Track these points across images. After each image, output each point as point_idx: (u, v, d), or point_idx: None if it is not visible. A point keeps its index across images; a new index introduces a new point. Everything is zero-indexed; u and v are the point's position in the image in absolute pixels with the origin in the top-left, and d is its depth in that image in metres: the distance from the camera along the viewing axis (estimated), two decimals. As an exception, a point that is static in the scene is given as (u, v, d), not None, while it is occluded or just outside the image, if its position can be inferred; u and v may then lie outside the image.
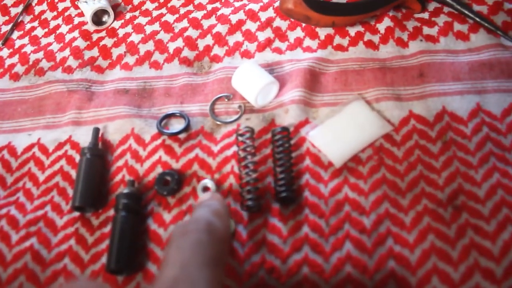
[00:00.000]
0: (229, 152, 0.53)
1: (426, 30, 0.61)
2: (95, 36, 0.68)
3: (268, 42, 0.62)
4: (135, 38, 0.66)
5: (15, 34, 0.72)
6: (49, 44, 0.69)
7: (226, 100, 0.58)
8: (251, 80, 0.54)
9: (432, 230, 0.46)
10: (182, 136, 0.55)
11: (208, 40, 0.64)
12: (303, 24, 0.63)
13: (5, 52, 0.69)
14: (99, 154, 0.54)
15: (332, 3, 0.60)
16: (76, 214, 0.52)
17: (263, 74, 0.55)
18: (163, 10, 0.69)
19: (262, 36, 0.63)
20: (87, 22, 0.69)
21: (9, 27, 0.72)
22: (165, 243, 0.49)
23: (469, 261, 0.44)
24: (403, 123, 0.53)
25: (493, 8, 0.61)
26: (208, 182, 0.51)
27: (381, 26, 0.61)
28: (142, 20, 0.69)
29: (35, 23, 0.72)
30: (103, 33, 0.68)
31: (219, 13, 0.67)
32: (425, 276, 0.44)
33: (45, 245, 0.50)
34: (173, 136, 0.55)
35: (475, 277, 0.43)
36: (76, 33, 0.69)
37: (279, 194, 0.49)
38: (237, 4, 0.68)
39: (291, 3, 0.58)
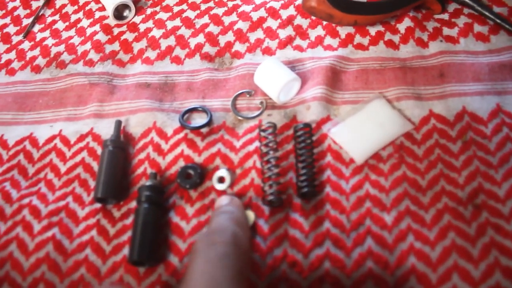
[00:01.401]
0: (251, 147, 0.54)
1: (446, 31, 0.61)
2: (116, 31, 0.69)
3: (289, 40, 0.63)
4: (156, 33, 0.67)
5: (36, 27, 0.72)
6: (70, 37, 0.69)
7: (248, 96, 0.58)
8: (273, 77, 0.55)
9: (452, 228, 0.46)
10: (204, 130, 0.56)
11: (229, 36, 0.65)
12: (324, 23, 0.63)
13: (27, 44, 0.70)
14: (121, 147, 0.55)
15: (355, 2, 0.60)
16: (98, 205, 0.53)
17: (286, 71, 0.55)
18: (184, 6, 0.70)
19: (283, 33, 0.63)
20: (108, 16, 0.69)
21: (30, 20, 0.73)
22: (187, 235, 0.49)
23: (490, 260, 0.44)
24: (423, 122, 0.53)
25: (513, 10, 0.61)
26: (223, 172, 0.52)
27: (401, 26, 0.62)
28: (163, 15, 0.69)
29: (56, 17, 0.73)
30: (124, 28, 0.69)
31: (240, 10, 0.67)
32: (446, 273, 0.44)
33: (67, 235, 0.51)
34: (196, 130, 0.56)
35: (496, 275, 0.43)
36: (97, 27, 0.69)
37: (300, 190, 0.49)
38: (258, 1, 0.68)
39: (314, 1, 0.58)
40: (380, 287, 0.44)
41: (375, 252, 0.46)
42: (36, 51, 0.68)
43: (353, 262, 0.46)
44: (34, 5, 0.76)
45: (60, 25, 0.72)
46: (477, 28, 0.60)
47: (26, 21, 0.73)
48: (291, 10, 0.65)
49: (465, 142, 0.51)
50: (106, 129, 0.58)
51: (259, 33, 0.64)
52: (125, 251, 0.49)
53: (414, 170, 0.50)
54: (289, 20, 0.64)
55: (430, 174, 0.50)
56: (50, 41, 0.69)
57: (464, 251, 0.45)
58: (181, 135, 0.56)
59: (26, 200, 0.54)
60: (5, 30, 0.73)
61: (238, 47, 0.63)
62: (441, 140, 0.52)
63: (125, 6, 0.69)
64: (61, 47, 0.68)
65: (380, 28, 0.62)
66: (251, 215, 0.49)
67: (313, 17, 0.64)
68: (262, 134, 0.52)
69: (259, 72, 0.56)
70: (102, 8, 0.72)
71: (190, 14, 0.68)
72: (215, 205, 0.49)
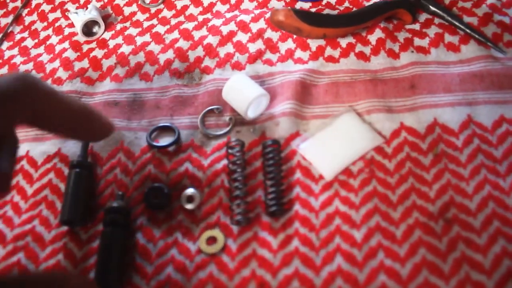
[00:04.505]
0: (219, 166, 0.53)
1: (417, 41, 0.60)
2: (85, 47, 0.68)
3: (259, 54, 0.62)
4: (126, 49, 0.66)
5: (5, 44, 0.71)
6: (39, 55, 0.68)
7: (217, 112, 0.57)
8: (241, 93, 0.54)
9: (423, 244, 0.45)
10: (171, 149, 0.55)
11: (199, 51, 0.64)
12: (294, 36, 0.62)
13: (-5, 63, 0.69)
14: (88, 167, 0.54)
15: (323, 15, 0.60)
16: (65, 228, 0.51)
17: (254, 86, 0.55)
18: (154, 21, 0.69)
19: (253, 47, 0.63)
20: (78, 33, 0.68)
21: (-1, 37, 0.72)
22: (155, 257, 0.48)
23: (460, 275, 0.44)
24: (394, 135, 0.53)
25: (483, 20, 0.61)
26: (191, 191, 0.51)
27: (372, 38, 0.61)
28: (133, 31, 0.68)
29: (25, 34, 0.72)
30: (93, 44, 0.68)
31: (210, 24, 0.66)
32: (417, 290, 0.43)
33: (32, 260, 0.50)
34: (163, 149, 0.55)
35: (467, 291, 0.43)
36: (66, 44, 0.68)
37: (269, 208, 0.48)
38: (228, 15, 0.67)
39: (282, 15, 0.57)
40: (350, 307, 0.43)
41: (344, 271, 0.45)
42: (4, 70, 0.67)
43: (322, 281, 0.45)
44: (3, 21, 0.74)
45: (29, 43, 0.70)
46: (448, 38, 0.60)
47: (-6, 39, 0.72)
48: (261, 24, 0.65)
49: (436, 154, 0.51)
50: (73, 149, 0.57)
51: (229, 48, 0.63)
52: (93, 274, 0.48)
53: (384, 185, 0.50)
54: (259, 34, 0.64)
55: (401, 188, 0.49)
56: (18, 59, 0.68)
57: (434, 267, 0.44)
58: (148, 154, 0.55)
59: (-9, 225, 0.53)
60: (-27, 48, 0.72)
61: (208, 62, 0.62)
62: (412, 153, 0.51)
63: (94, 22, 0.68)
64: (30, 65, 0.67)
65: (351, 39, 0.61)
66: (220, 236, 0.48)
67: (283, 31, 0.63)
68: (230, 151, 0.51)
69: (227, 89, 0.55)
70: (72, 25, 0.70)
71: (160, 29, 0.68)
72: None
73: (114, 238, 0.48)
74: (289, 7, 0.59)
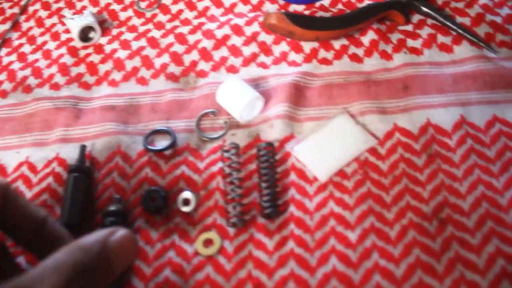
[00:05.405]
0: (214, 168, 0.54)
1: (410, 42, 0.61)
2: (82, 53, 0.68)
3: (253, 57, 0.63)
4: (122, 54, 0.67)
5: (3, 51, 0.72)
6: (36, 60, 0.68)
7: (212, 115, 0.58)
8: (235, 96, 0.55)
9: (417, 244, 0.46)
10: (168, 152, 0.56)
11: (194, 55, 0.64)
12: (288, 39, 0.63)
13: (-7, 69, 0.69)
14: (86, 172, 0.54)
15: (315, 18, 0.60)
16: (64, 232, 0.52)
17: (248, 89, 0.55)
18: (150, 26, 0.70)
19: (247, 50, 0.63)
20: (74, 39, 0.69)
21: (-4, 44, 0.72)
22: (152, 260, 0.49)
23: (455, 275, 0.44)
24: (387, 137, 0.53)
25: (476, 20, 0.62)
26: (188, 194, 0.52)
27: (365, 39, 0.62)
28: (129, 36, 0.69)
29: (23, 40, 0.72)
30: (90, 50, 0.68)
31: (204, 28, 0.67)
32: (411, 290, 0.44)
33: (33, 263, 0.50)
34: (159, 152, 0.55)
35: (461, 290, 0.43)
36: (63, 50, 0.69)
37: (264, 210, 0.49)
38: (222, 19, 0.68)
39: (274, 18, 0.58)
40: (344, 307, 0.44)
41: (339, 271, 0.46)
42: (3, 76, 0.68)
43: (318, 282, 0.45)
44: (1, 28, 0.75)
45: (27, 48, 0.71)
46: (441, 38, 0.61)
47: (-8, 46, 0.73)
48: (255, 27, 0.65)
49: (430, 155, 0.51)
50: (71, 154, 0.57)
51: (223, 51, 0.64)
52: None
53: (378, 186, 0.50)
54: (253, 37, 0.64)
55: (394, 189, 0.50)
56: (16, 65, 0.68)
57: (429, 267, 0.45)
58: (145, 158, 0.55)
59: (-9, 230, 0.53)
60: (-28, 55, 0.72)
61: (203, 65, 0.63)
62: (406, 154, 0.52)
63: (90, 28, 0.69)
64: (28, 71, 0.67)
65: (345, 41, 0.62)
66: (217, 238, 0.49)
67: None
68: (225, 155, 0.52)
69: (221, 92, 0.56)
70: (69, 30, 0.71)
71: (156, 33, 0.68)
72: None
73: (111, 241, 0.48)
74: (282, 11, 0.60)
